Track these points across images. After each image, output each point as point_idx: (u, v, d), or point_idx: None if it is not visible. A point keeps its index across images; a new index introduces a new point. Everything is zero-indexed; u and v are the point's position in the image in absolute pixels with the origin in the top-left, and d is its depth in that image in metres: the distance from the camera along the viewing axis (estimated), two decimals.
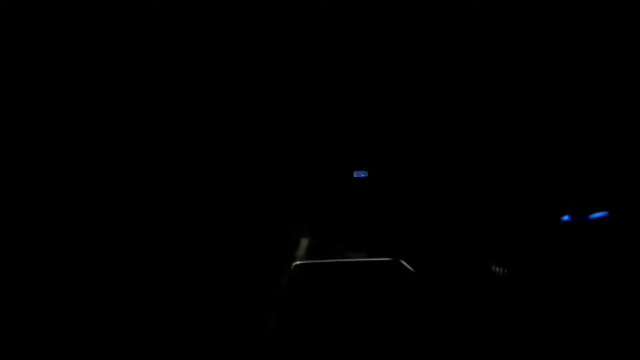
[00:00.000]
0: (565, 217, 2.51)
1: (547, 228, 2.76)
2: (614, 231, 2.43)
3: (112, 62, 4.05)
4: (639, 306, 2.39)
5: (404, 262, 3.66)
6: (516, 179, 3.72)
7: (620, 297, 2.35)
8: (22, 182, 3.06)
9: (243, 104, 4.53)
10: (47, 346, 1.89)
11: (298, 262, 3.58)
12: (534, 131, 3.82)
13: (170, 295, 3.29)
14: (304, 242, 4.83)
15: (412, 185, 4.75)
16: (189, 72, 4.35)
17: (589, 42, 3.53)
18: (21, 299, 2.06)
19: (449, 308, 2.72)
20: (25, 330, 1.93)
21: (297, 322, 2.74)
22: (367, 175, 4.63)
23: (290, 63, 4.50)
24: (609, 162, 3.02)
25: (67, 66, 3.79)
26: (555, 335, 2.34)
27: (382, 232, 4.46)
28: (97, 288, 2.59)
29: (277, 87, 4.22)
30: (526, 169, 3.71)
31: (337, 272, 3.67)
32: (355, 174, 4.68)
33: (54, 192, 3.03)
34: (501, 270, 3.16)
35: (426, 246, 3.76)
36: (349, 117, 4.81)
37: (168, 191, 4.49)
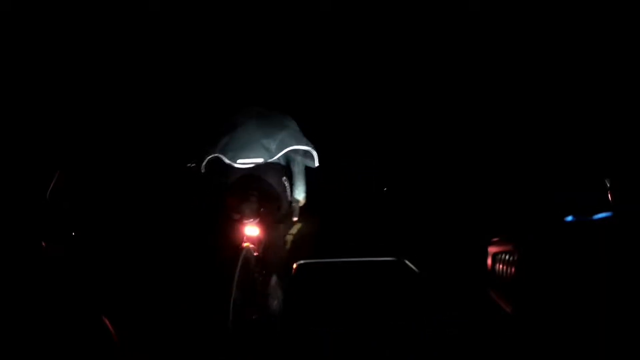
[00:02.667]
0: (569, 218, 2.51)
1: (551, 228, 2.76)
2: (618, 232, 2.42)
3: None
4: None
5: (407, 262, 3.68)
6: (520, 179, 3.74)
7: (625, 299, 2.34)
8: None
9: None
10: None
11: (301, 261, 3.59)
12: (537, 131, 3.84)
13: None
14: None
15: (415, 185, 4.76)
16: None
17: (590, 42, 3.55)
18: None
19: (452, 308, 2.73)
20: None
21: (299, 321, 2.74)
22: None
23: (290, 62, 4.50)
24: (613, 162, 3.03)
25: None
26: (559, 336, 2.34)
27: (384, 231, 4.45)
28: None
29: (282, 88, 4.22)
30: (530, 169, 3.73)
31: (340, 271, 3.69)
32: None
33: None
34: (506, 271, 3.15)
35: (430, 246, 3.76)
36: (352, 115, 4.82)
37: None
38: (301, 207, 2.82)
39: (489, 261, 2.43)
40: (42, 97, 3.61)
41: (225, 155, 2.42)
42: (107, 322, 1.96)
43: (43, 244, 2.56)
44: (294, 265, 3.62)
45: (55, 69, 3.69)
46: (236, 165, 2.41)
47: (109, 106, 4.13)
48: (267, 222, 2.59)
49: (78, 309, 2.19)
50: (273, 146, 2.43)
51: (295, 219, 2.85)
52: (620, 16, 3.35)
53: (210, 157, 2.48)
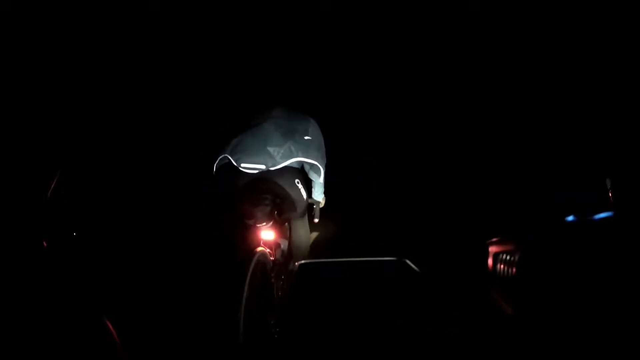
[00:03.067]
0: (570, 218, 2.50)
1: (552, 228, 2.75)
2: (619, 232, 2.41)
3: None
4: None
5: (408, 262, 3.69)
6: (521, 179, 3.74)
7: (626, 299, 2.34)
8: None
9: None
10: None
11: (302, 261, 3.60)
12: (538, 131, 3.84)
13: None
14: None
15: (415, 184, 4.76)
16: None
17: (590, 42, 3.55)
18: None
19: (452, 308, 2.74)
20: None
21: (300, 321, 2.75)
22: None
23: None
24: (613, 162, 3.02)
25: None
26: (560, 337, 2.34)
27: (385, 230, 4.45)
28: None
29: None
30: (531, 168, 3.73)
31: (341, 271, 3.69)
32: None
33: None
34: (507, 271, 3.15)
35: (431, 246, 3.76)
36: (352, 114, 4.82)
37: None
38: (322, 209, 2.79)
39: (490, 261, 2.44)
40: (43, 96, 3.62)
41: (232, 157, 2.36)
42: (108, 323, 1.96)
43: (44, 243, 2.56)
44: (296, 265, 3.64)
45: (56, 69, 3.70)
46: (241, 169, 2.35)
47: (113, 105, 4.13)
48: (283, 226, 2.60)
49: (79, 310, 2.19)
50: (278, 155, 2.34)
51: (316, 220, 2.80)
52: (620, 16, 3.35)
53: (221, 156, 2.43)
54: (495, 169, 4.05)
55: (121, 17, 3.80)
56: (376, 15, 4.20)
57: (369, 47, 4.53)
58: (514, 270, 2.13)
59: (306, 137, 2.48)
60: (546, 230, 2.07)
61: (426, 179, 4.70)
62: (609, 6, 3.43)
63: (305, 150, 2.43)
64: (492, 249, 2.38)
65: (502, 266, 2.30)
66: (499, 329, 2.33)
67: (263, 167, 2.33)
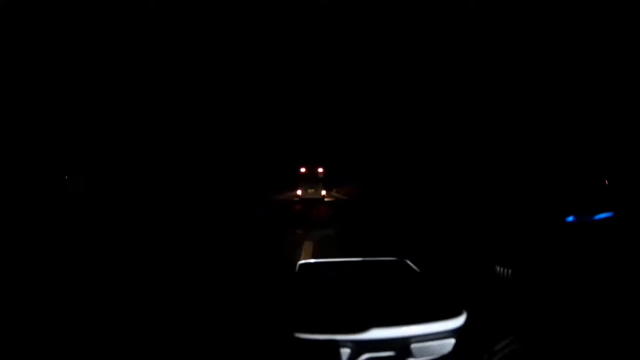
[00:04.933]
0: (570, 218, 2.50)
1: (552, 228, 2.76)
2: (619, 232, 2.43)
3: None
4: None
5: (408, 262, 3.69)
6: (521, 179, 3.75)
7: (626, 299, 2.37)
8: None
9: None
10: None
11: (302, 261, 3.61)
12: (538, 130, 3.84)
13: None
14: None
15: (418, 185, 4.76)
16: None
17: (589, 42, 3.55)
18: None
19: (453, 308, 2.74)
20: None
21: (301, 320, 2.76)
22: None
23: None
24: (613, 162, 3.03)
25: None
26: (559, 336, 2.37)
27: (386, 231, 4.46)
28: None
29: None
30: (531, 168, 3.74)
31: (341, 271, 3.70)
32: None
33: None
34: (506, 271, 3.18)
35: (431, 246, 3.77)
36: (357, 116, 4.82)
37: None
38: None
39: (491, 261, 2.45)
40: (50, 96, 3.61)
41: None
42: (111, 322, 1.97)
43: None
44: (296, 265, 3.65)
45: (67, 70, 3.70)
46: None
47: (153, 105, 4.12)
48: None
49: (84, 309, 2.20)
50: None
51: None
52: (620, 16, 3.35)
53: None
54: (496, 170, 4.06)
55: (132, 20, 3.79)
56: (373, 15, 4.20)
57: (368, 47, 4.53)
58: (515, 271, 2.14)
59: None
60: (546, 230, 2.09)
61: (429, 181, 4.71)
62: (609, 6, 3.44)
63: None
64: (492, 250, 2.40)
65: (503, 267, 2.31)
66: (499, 329, 2.34)
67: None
